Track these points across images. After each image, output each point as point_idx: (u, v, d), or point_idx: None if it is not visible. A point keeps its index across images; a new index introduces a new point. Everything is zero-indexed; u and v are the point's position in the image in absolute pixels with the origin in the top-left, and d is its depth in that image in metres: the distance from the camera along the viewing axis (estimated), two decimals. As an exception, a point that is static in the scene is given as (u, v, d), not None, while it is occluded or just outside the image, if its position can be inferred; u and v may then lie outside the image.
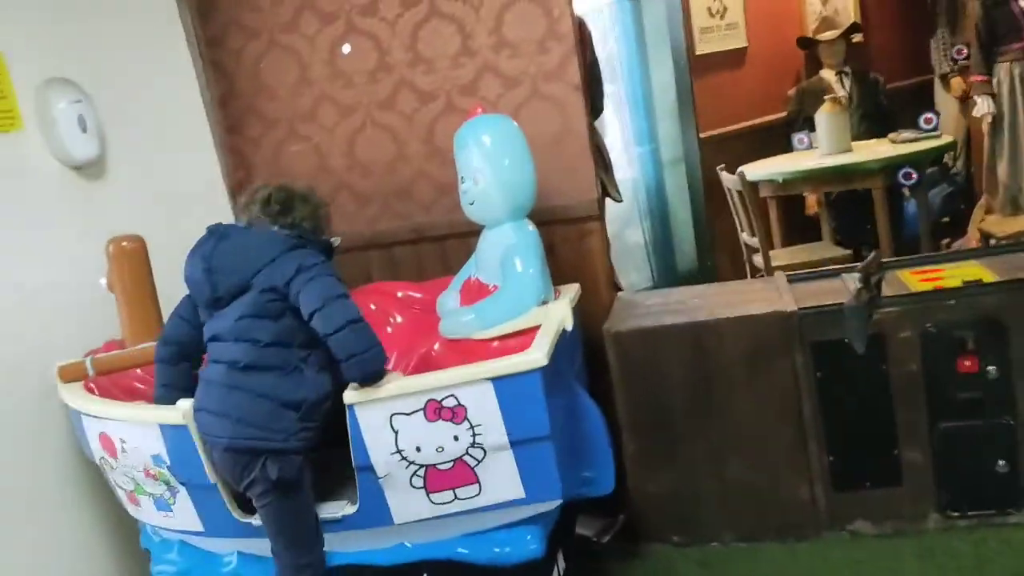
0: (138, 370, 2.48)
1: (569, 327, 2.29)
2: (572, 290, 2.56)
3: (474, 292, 2.45)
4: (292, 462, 2.08)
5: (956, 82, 5.68)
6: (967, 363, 2.35)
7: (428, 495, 2.10)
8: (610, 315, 2.71)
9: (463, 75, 2.92)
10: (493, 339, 2.33)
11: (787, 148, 4.99)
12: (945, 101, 5.76)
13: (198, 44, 3.09)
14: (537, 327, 2.26)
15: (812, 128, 4.87)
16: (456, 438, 2.05)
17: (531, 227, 2.45)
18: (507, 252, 2.37)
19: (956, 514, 2.44)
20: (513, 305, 2.33)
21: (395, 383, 2.04)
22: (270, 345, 2.06)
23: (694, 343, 2.53)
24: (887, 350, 2.39)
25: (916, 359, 2.39)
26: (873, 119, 5.10)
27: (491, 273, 2.42)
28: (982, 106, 4.78)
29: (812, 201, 5.07)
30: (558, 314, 2.29)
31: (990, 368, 2.34)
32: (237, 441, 2.05)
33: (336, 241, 2.22)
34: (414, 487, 2.10)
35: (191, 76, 3.08)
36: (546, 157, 2.68)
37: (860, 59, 5.36)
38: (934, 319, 2.36)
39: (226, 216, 3.03)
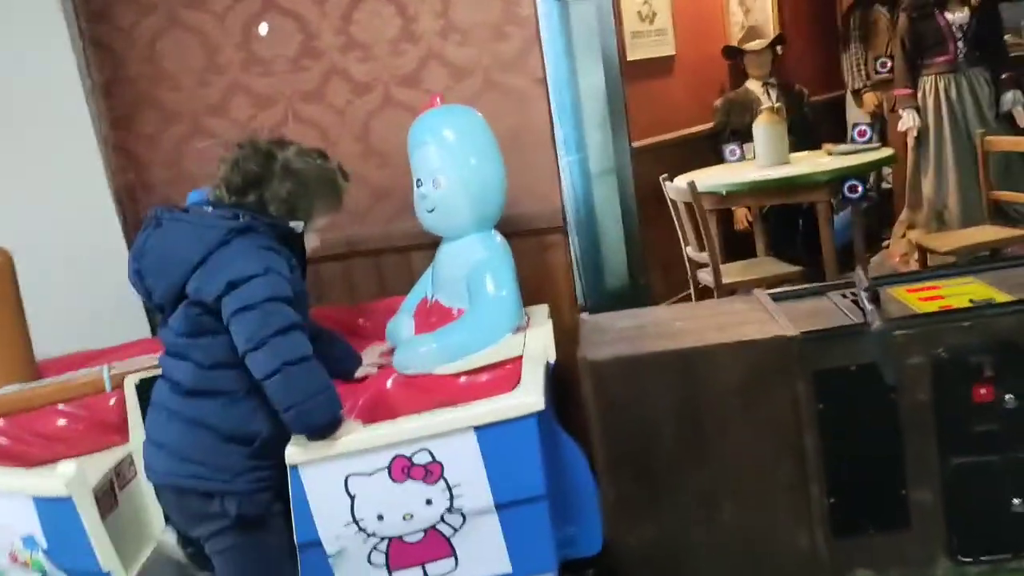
0: None
1: (552, 359, 1.94)
2: (543, 313, 2.21)
3: (433, 317, 2.05)
4: (254, 499, 1.72)
5: (869, 97, 5.70)
6: (983, 391, 2.12)
7: (391, 574, 1.69)
8: (580, 341, 2.35)
9: (404, 63, 2.55)
10: (459, 374, 1.94)
11: (714, 160, 4.81)
12: (857, 117, 5.76)
13: (76, 18, 2.58)
14: (514, 359, 1.90)
15: (738, 140, 4.73)
16: (429, 502, 1.65)
17: (499, 239, 2.09)
18: (475, 269, 1.99)
19: (968, 560, 2.21)
20: (485, 332, 1.95)
21: (352, 436, 1.63)
22: (215, 367, 1.70)
23: (684, 372, 2.21)
24: (895, 378, 2.14)
25: (926, 388, 2.14)
26: (798, 132, 5.00)
27: (454, 294, 2.04)
28: (907, 120, 4.75)
29: (741, 215, 4.92)
30: (539, 343, 1.94)
31: (1008, 397, 2.12)
32: (172, 478, 1.74)
33: (299, 227, 1.81)
34: (373, 564, 1.69)
35: (69, 57, 2.57)
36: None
37: (778, 72, 5.27)
38: (946, 343, 2.13)
39: (111, 227, 2.54)
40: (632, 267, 4.88)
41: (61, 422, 2.03)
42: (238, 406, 1.70)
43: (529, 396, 1.65)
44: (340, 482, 1.63)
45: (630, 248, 4.84)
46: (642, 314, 2.61)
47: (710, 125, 5.11)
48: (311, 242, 1.88)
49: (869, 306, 2.14)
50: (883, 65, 5.25)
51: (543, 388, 1.69)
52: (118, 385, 2.03)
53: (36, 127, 2.47)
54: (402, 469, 1.63)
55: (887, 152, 4.24)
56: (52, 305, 2.25)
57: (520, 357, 1.93)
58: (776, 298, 2.52)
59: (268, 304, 1.63)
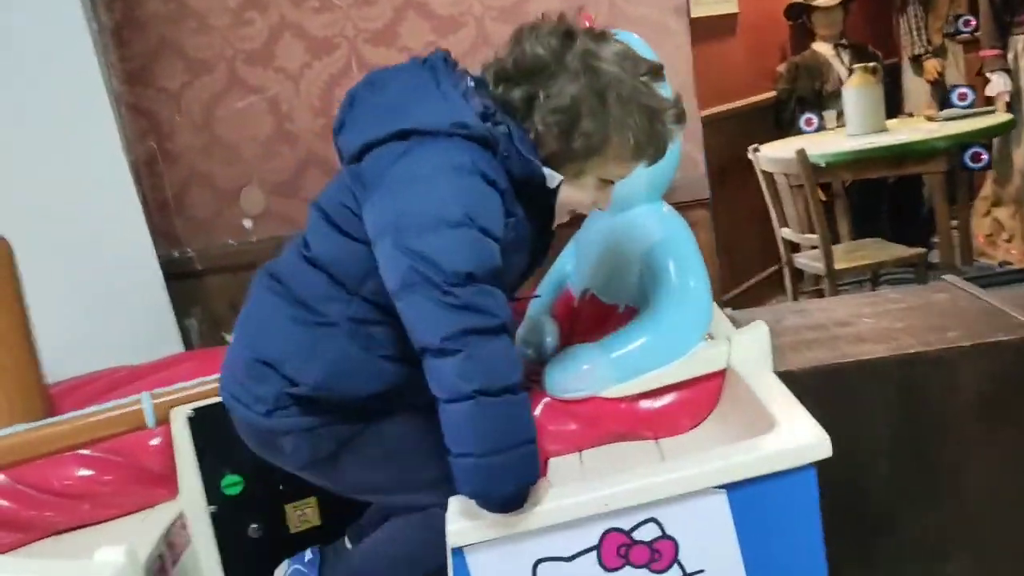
0: None
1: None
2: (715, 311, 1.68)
3: (591, 319, 1.51)
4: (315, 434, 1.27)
5: (930, 64, 5.23)
6: None
7: None
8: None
9: (500, -9, 2.02)
10: (636, 396, 1.41)
11: (778, 132, 4.31)
12: (915, 85, 5.28)
13: (79, -54, 2.05)
14: (716, 374, 1.38)
15: (804, 110, 4.24)
16: (656, 597, 1.12)
17: (670, 210, 1.56)
18: (653, 253, 1.47)
19: None
20: (672, 338, 1.42)
21: (542, 505, 1.09)
22: (314, 265, 1.25)
23: (905, 385, 1.72)
24: None
25: None
26: (873, 98, 4.53)
27: (617, 286, 1.52)
28: (996, 84, 4.26)
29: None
30: (751, 352, 1.41)
31: None
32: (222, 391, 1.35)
33: (554, 181, 1.22)
34: None
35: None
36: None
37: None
38: None
39: (129, 208, 2.01)
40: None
41: (85, 473, 1.46)
42: (308, 332, 1.23)
43: (808, 435, 1.12)
44: (527, 572, 1.10)
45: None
46: (806, 309, 2.12)
47: (771, 94, 4.59)
48: (576, 193, 1.26)
49: None
50: (966, 24, 4.77)
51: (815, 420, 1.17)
52: (164, 419, 1.47)
53: (32, 84, 1.96)
54: (618, 550, 1.10)
55: (1005, 117, 3.76)
56: (59, 308, 1.71)
57: (722, 372, 1.41)
58: (980, 285, 2.03)
59: (465, 290, 1.07)
